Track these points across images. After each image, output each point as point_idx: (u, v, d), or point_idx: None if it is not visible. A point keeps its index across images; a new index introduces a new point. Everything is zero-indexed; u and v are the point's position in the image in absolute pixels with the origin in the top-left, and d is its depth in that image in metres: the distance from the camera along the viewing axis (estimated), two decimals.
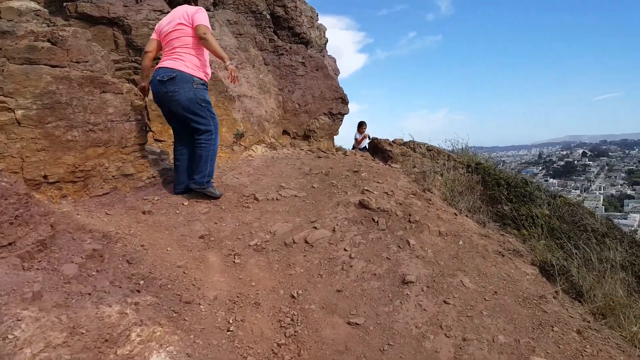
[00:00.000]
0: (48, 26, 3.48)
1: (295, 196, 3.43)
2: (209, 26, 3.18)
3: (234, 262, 2.56)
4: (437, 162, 5.52)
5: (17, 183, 2.19)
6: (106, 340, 1.61)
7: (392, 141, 4.87)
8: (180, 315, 1.96)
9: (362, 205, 3.10)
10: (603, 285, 2.46)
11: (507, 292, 2.28)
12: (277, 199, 3.37)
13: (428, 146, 6.50)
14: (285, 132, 6.13)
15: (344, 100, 6.93)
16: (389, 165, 4.31)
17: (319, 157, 4.37)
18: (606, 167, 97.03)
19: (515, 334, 2.00)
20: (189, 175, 3.33)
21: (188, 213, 3.05)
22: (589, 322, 2.20)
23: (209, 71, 3.36)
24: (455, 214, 3.17)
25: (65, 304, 1.71)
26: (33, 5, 3.60)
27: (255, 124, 5.08)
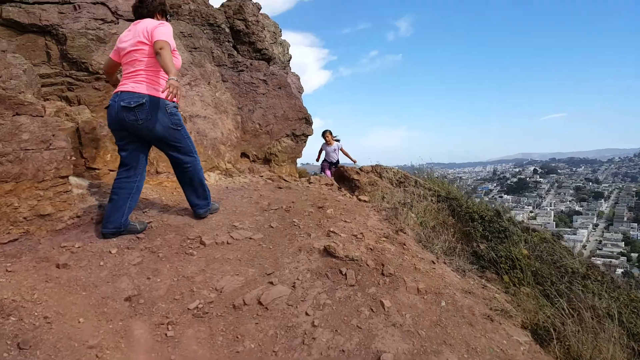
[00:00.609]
0: None
1: (250, 239, 2.94)
2: (170, 41, 2.79)
3: (166, 334, 2.02)
4: (405, 190, 5.21)
5: None
6: None
7: (359, 169, 4.49)
8: None
9: (327, 252, 2.65)
10: (603, 353, 2.14)
11: None
12: (228, 243, 2.86)
13: (395, 170, 6.22)
14: (244, 155, 5.62)
15: (308, 121, 6.53)
16: (357, 197, 3.91)
17: (280, 188, 3.90)
18: (556, 184, 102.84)
19: None
20: (189, 199, 3.10)
21: (115, 265, 2.47)
22: None
23: None
24: (433, 262, 2.79)
25: None
26: None
27: (209, 148, 4.55)
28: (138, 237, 2.84)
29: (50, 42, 3.81)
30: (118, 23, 4.13)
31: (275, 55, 6.49)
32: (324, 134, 7.69)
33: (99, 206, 3.16)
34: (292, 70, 7.28)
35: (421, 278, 2.49)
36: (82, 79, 3.88)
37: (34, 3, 3.68)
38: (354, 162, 7.94)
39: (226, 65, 5.61)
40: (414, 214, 3.58)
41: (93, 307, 2.12)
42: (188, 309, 2.19)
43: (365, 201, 3.81)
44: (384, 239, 2.91)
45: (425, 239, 3.29)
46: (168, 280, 2.40)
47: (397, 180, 5.88)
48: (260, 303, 2.24)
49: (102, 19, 4.03)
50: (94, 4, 4.00)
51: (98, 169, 3.77)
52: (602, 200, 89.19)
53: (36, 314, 1.95)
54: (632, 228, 71.07)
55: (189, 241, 2.86)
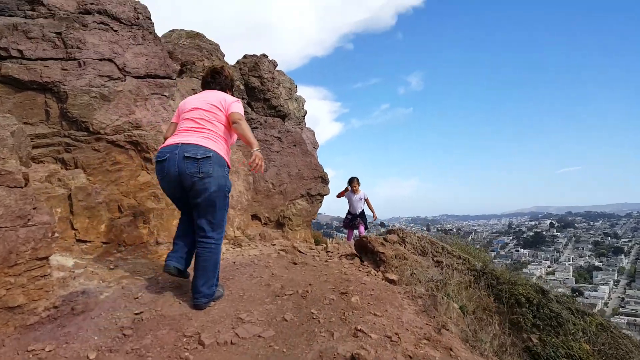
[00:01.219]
0: None
1: (259, 336, 2.38)
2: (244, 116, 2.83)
3: None
4: (434, 260, 4.64)
5: None
6: None
7: (384, 239, 3.97)
8: None
9: None
10: None
11: None
12: (232, 343, 2.30)
13: (419, 236, 5.66)
14: (255, 217, 5.17)
15: (324, 180, 6.13)
16: (384, 276, 3.36)
17: (294, 264, 3.38)
18: (573, 239, 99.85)
19: None
20: (195, 283, 2.69)
21: None
22: None
23: None
24: None
25: None
26: None
27: None
28: (124, 335, 2.31)
29: (50, 100, 3.53)
30: (125, 80, 3.87)
31: (290, 111, 6.24)
32: (351, 182, 7.26)
33: (83, 292, 2.67)
34: (307, 126, 7.01)
35: None
36: (81, 139, 3.55)
37: (36, 59, 3.45)
38: (375, 217, 7.55)
39: None
40: (456, 304, 3.00)
41: None
42: None
43: (394, 281, 3.25)
44: (425, 341, 2.33)
45: (473, 336, 2.69)
46: None
47: (422, 247, 5.31)
48: None
49: (108, 76, 3.78)
50: (100, 60, 3.77)
51: (90, 242, 3.33)
52: (622, 256, 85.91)
53: None
54: None
55: (185, 340, 2.32)
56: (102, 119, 3.62)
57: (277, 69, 6.26)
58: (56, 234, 2.60)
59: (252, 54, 5.98)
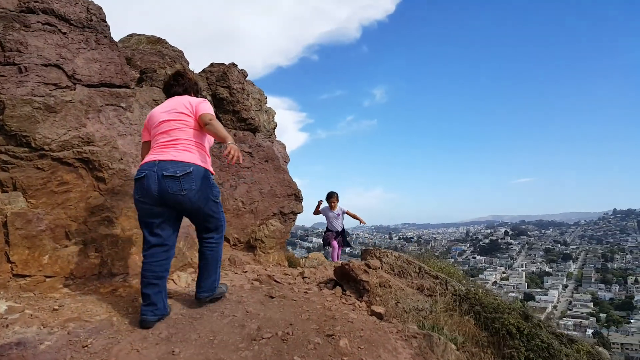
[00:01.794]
0: None
1: None
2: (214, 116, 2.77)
3: None
4: (414, 284, 4.43)
5: None
6: None
7: (366, 265, 3.68)
8: None
9: None
10: None
11: None
12: None
13: (396, 255, 5.46)
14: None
15: (298, 197, 5.80)
16: (370, 309, 3.07)
17: (271, 298, 3.01)
18: (526, 246, 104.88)
19: None
20: (198, 279, 2.86)
21: None
22: None
23: None
24: None
25: None
26: None
27: (181, 239, 3.67)
28: None
29: None
30: (75, 89, 3.39)
31: (260, 124, 5.88)
32: (329, 197, 6.64)
33: (18, 344, 2.19)
34: (277, 139, 6.67)
35: None
36: (20, 156, 3.02)
37: None
38: (362, 222, 6.99)
39: None
40: (453, 345, 2.75)
41: None
42: None
43: (381, 315, 2.96)
44: None
45: None
46: None
47: (399, 267, 5.11)
48: None
49: (54, 84, 3.29)
50: (46, 66, 3.28)
51: (30, 276, 2.83)
52: (571, 262, 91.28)
53: None
54: (599, 289, 72.24)
55: None
56: (46, 133, 3.12)
57: (246, 79, 5.90)
58: None
59: (219, 62, 5.59)
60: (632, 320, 56.47)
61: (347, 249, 7.68)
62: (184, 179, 2.51)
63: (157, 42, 5.60)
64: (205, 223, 2.78)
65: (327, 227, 6.74)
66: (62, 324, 2.55)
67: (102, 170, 3.31)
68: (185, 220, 3.88)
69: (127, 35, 5.79)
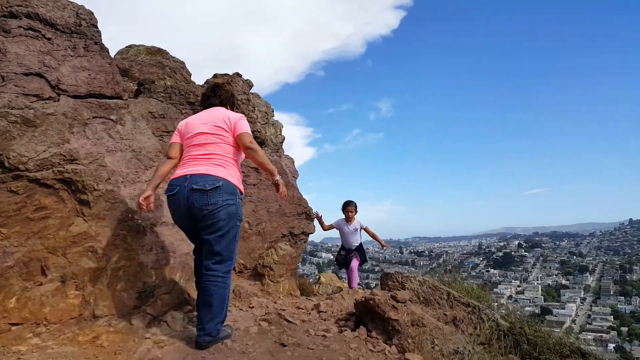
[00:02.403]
0: None
1: None
2: None
3: None
4: (443, 317, 3.89)
5: None
6: None
7: (394, 299, 3.15)
8: None
9: None
10: None
11: None
12: None
13: (421, 280, 4.91)
14: None
15: (309, 216, 5.32)
16: (405, 359, 2.54)
17: (283, 345, 2.50)
18: (541, 258, 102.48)
19: None
20: (199, 319, 2.53)
21: None
22: None
23: None
24: None
25: None
26: None
27: (178, 269, 3.19)
28: None
29: None
30: (59, 100, 2.98)
31: (267, 137, 5.46)
32: (345, 207, 5.58)
33: None
34: (285, 153, 6.22)
35: None
36: None
37: None
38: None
39: None
40: None
41: None
42: None
43: None
44: None
45: None
46: None
47: (425, 293, 4.57)
48: None
49: (35, 95, 2.88)
50: (26, 74, 2.87)
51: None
52: (588, 274, 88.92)
53: None
54: (619, 301, 69.91)
55: None
56: (22, 151, 2.70)
57: (252, 91, 5.51)
58: None
59: (223, 72, 5.21)
60: None
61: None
62: (212, 193, 2.47)
63: (157, 52, 5.24)
64: (217, 247, 2.53)
65: (341, 245, 5.73)
66: None
67: (87, 192, 2.87)
68: (185, 248, 3.43)
69: (126, 47, 5.45)
